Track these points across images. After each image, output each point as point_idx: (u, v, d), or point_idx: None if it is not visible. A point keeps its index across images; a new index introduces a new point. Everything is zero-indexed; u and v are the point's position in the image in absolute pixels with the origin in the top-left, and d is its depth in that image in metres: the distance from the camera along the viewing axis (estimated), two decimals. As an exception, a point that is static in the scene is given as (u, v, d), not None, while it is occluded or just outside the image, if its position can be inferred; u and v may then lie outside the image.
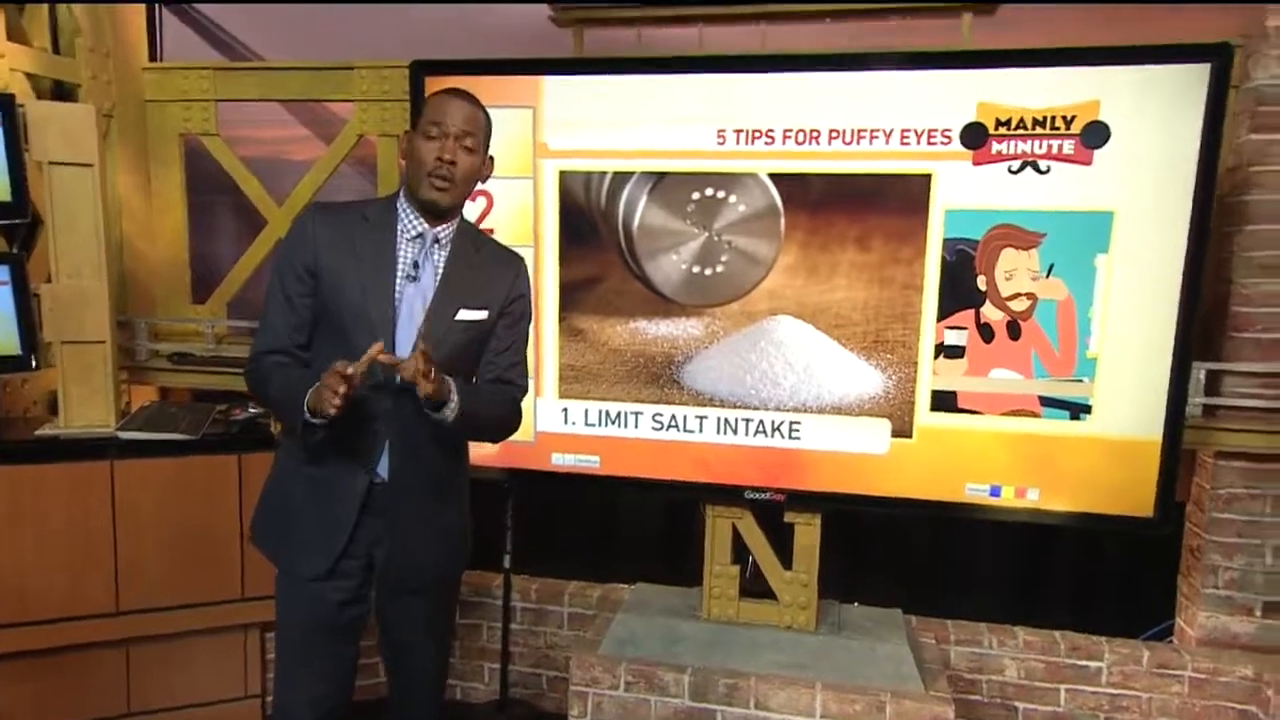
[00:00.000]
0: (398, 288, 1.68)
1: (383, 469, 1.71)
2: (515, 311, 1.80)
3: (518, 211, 2.30)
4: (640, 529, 3.28)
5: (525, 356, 1.85)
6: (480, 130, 1.69)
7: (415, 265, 1.69)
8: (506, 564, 2.71)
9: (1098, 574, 3.03)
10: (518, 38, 2.97)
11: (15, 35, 2.66)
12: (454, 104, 1.66)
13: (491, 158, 1.75)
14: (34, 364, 2.34)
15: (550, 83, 2.23)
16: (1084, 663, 2.53)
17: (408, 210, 1.71)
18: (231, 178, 3.05)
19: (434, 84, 2.14)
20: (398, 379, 1.63)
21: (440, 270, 1.71)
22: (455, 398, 1.62)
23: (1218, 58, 1.94)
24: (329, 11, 3.21)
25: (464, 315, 1.71)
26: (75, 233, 2.38)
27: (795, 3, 2.61)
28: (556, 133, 2.25)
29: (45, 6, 2.82)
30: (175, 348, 3.00)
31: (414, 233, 1.70)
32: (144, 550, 2.42)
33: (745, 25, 2.66)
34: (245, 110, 3.12)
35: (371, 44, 3.04)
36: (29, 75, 2.69)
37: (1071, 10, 2.68)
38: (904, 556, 3.09)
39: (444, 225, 1.71)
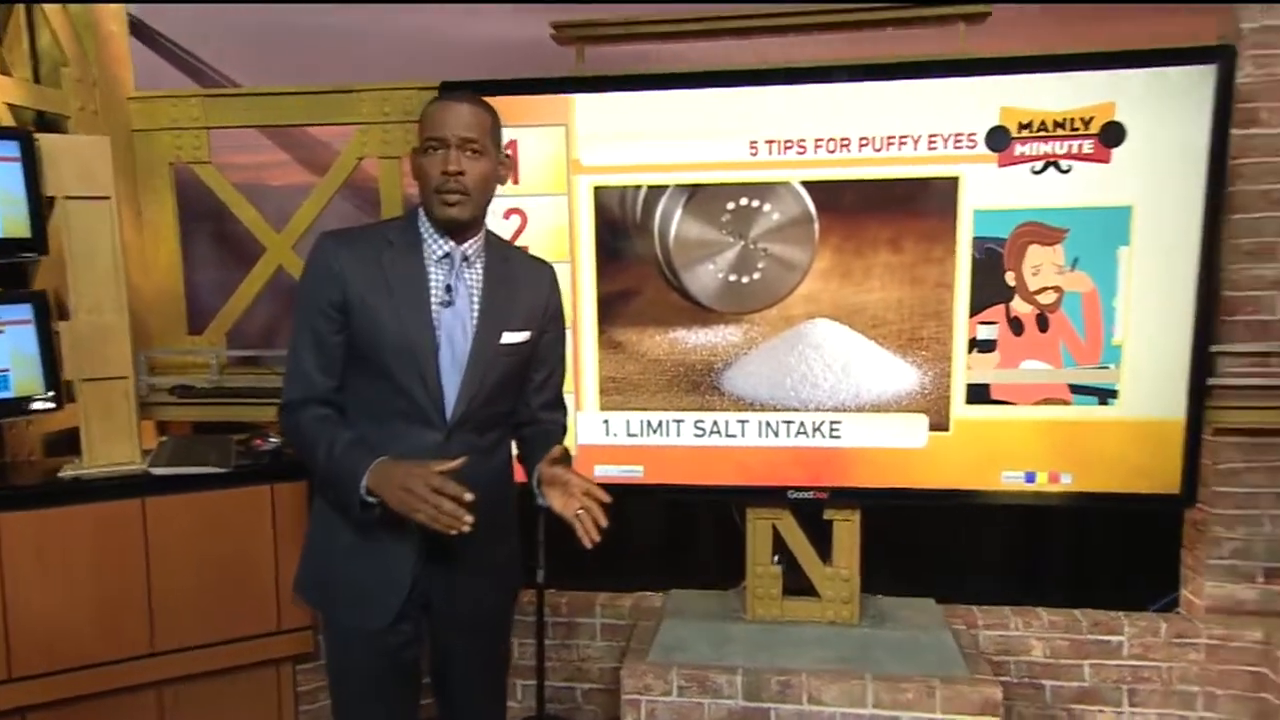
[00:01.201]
0: (434, 314, 1.58)
1: None
2: (555, 329, 1.75)
3: (553, 228, 2.32)
4: (651, 537, 3.31)
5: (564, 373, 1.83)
6: (485, 132, 1.56)
7: (448, 289, 1.59)
8: (540, 579, 2.70)
9: (1092, 553, 3.16)
10: (493, 58, 2.99)
11: (-2, 67, 2.59)
12: (449, 111, 1.54)
13: (509, 156, 1.68)
14: (58, 403, 2.27)
15: (581, 100, 2.26)
16: (1106, 638, 2.65)
17: (429, 230, 1.60)
18: (212, 205, 2.99)
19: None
20: (449, 416, 1.60)
21: (476, 292, 1.62)
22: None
23: (1222, 59, 2.07)
24: (301, 37, 3.18)
25: (508, 339, 1.63)
26: (93, 268, 2.32)
27: (796, 18, 2.68)
28: (590, 149, 2.28)
29: (26, 39, 2.75)
30: (174, 380, 2.93)
31: (440, 253, 1.60)
32: (178, 587, 2.36)
33: (745, 39, 2.73)
34: (219, 136, 3.06)
35: (349, 66, 3.03)
36: (11, 107, 2.61)
37: (1054, 18, 2.83)
38: (913, 544, 3.17)
39: (470, 241, 1.61)
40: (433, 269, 1.60)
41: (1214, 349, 2.48)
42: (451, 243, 1.60)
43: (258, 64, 3.23)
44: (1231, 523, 2.60)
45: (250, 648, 2.48)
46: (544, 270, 1.74)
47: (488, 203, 1.61)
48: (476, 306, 1.61)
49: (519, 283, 1.67)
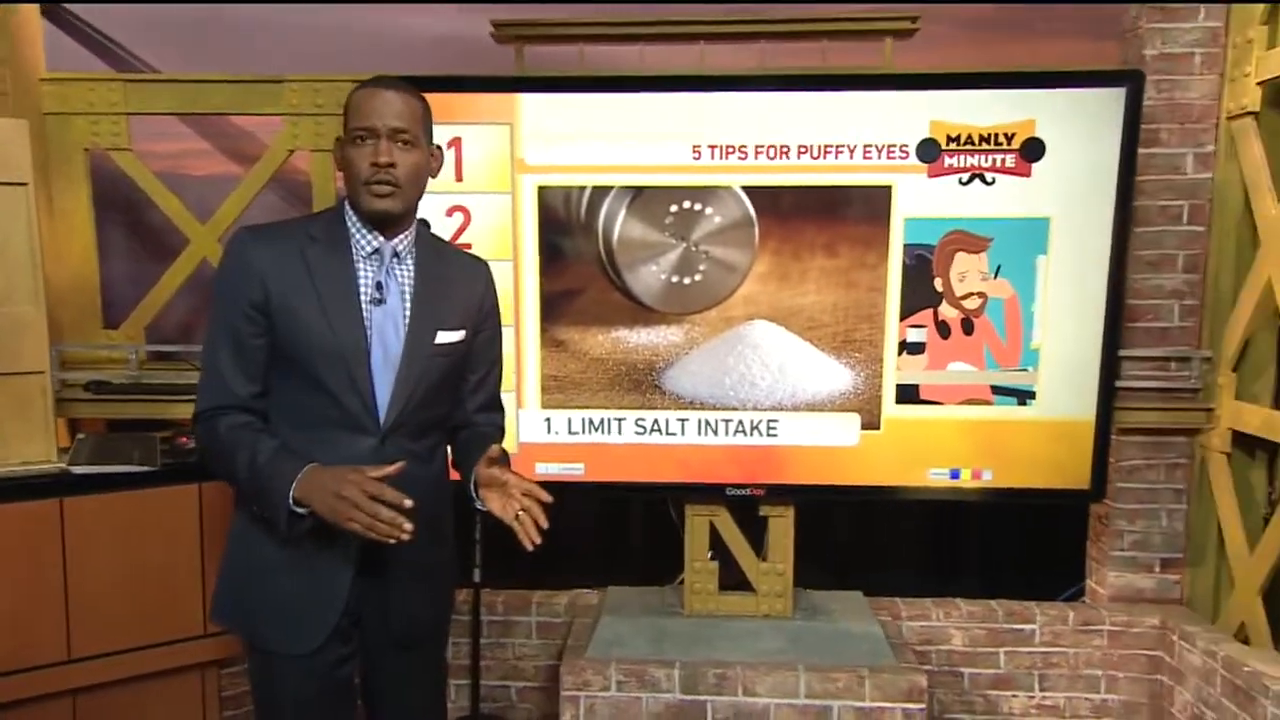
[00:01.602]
0: (364, 313, 1.51)
1: None
2: (490, 327, 1.70)
3: (496, 227, 2.32)
4: (585, 535, 3.33)
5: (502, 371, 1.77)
6: (416, 121, 1.49)
7: (379, 286, 1.52)
8: (477, 578, 2.70)
9: (1006, 547, 3.33)
10: (431, 54, 2.97)
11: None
12: (379, 99, 1.47)
13: (439, 148, 1.58)
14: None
15: (527, 99, 2.27)
16: (1019, 626, 2.79)
17: (357, 224, 1.53)
18: (125, 194, 2.89)
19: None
20: (382, 421, 1.53)
21: (408, 289, 1.55)
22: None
23: (1132, 82, 2.22)
24: (229, 29, 3.10)
25: (443, 338, 1.57)
26: (7, 257, 2.22)
27: (733, 24, 2.75)
28: (534, 148, 2.29)
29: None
30: (88, 376, 2.81)
31: (369, 249, 1.53)
32: (98, 591, 2.27)
33: (685, 44, 2.78)
34: (135, 123, 2.94)
35: (280, 59, 2.96)
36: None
37: (976, 36, 2.98)
38: (839, 540, 3.28)
39: (400, 236, 1.55)
40: (361, 265, 1.53)
41: (1131, 354, 2.66)
42: (381, 238, 1.53)
43: (181, 53, 3.13)
44: (1132, 516, 2.78)
45: (173, 652, 2.40)
46: (479, 267, 1.69)
47: (419, 196, 1.55)
48: (409, 304, 1.55)
49: (453, 279, 1.61)
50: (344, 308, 1.50)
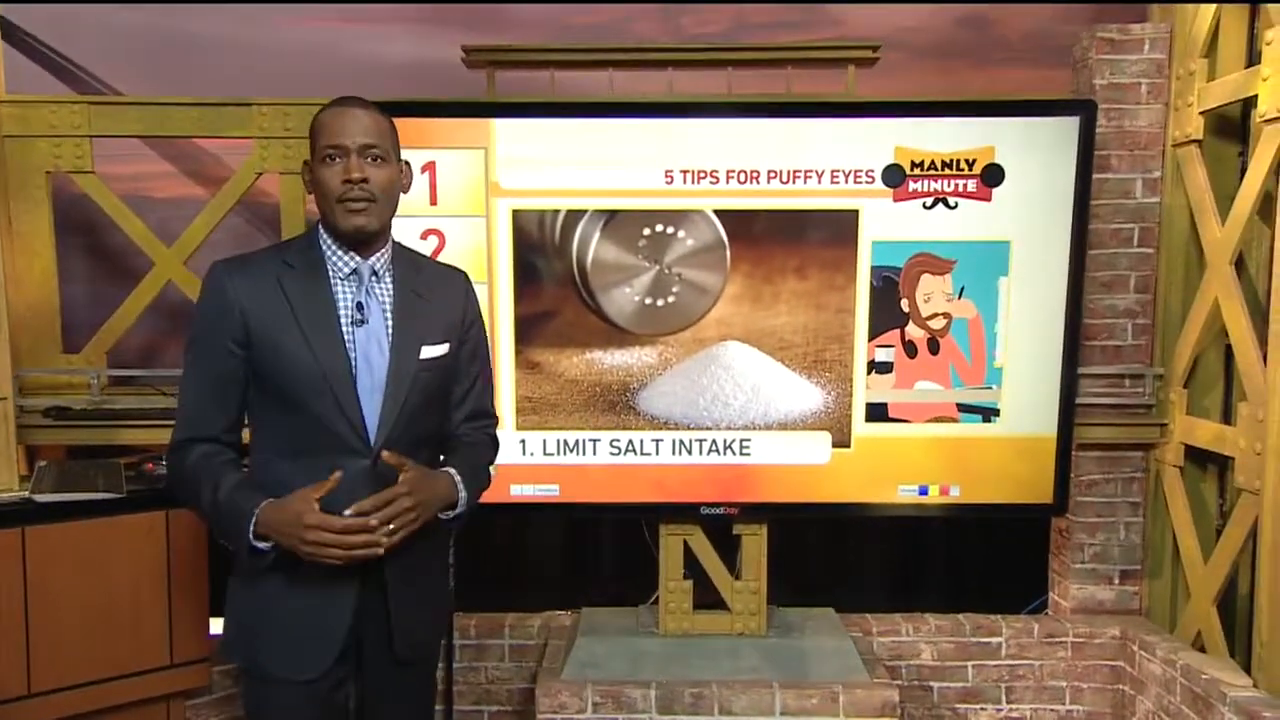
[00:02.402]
0: (346, 335, 1.52)
1: None
2: (474, 338, 1.69)
3: (471, 250, 2.34)
4: (555, 556, 3.33)
5: (491, 379, 1.78)
6: (385, 136, 1.51)
7: (359, 307, 1.53)
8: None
9: (972, 562, 3.38)
10: (402, 78, 2.99)
11: None
12: (347, 117, 1.48)
13: (407, 163, 1.58)
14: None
15: (502, 125, 2.30)
16: (986, 640, 2.85)
17: (332, 247, 1.53)
18: (82, 217, 2.87)
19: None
20: (373, 441, 1.53)
21: (388, 307, 1.55)
22: (461, 491, 1.58)
23: (1085, 111, 2.32)
24: (195, 51, 3.09)
25: (427, 353, 1.57)
26: (-32, 281, 2.17)
27: (701, 52, 2.81)
28: (509, 173, 2.32)
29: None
30: (47, 402, 2.75)
31: (347, 270, 1.53)
32: (61, 623, 2.20)
33: (654, 70, 2.84)
34: (96, 144, 2.90)
35: (247, 82, 2.95)
36: None
37: (936, 64, 3.07)
38: (810, 557, 3.32)
39: (377, 254, 1.55)
40: (340, 287, 1.54)
41: (1089, 371, 2.73)
42: (357, 258, 1.54)
43: (146, 75, 3.10)
44: (1092, 530, 2.85)
45: (138, 684, 2.33)
46: (457, 277, 1.69)
47: (393, 212, 1.56)
48: (390, 322, 1.55)
49: (433, 292, 1.61)
50: (326, 332, 1.51)
